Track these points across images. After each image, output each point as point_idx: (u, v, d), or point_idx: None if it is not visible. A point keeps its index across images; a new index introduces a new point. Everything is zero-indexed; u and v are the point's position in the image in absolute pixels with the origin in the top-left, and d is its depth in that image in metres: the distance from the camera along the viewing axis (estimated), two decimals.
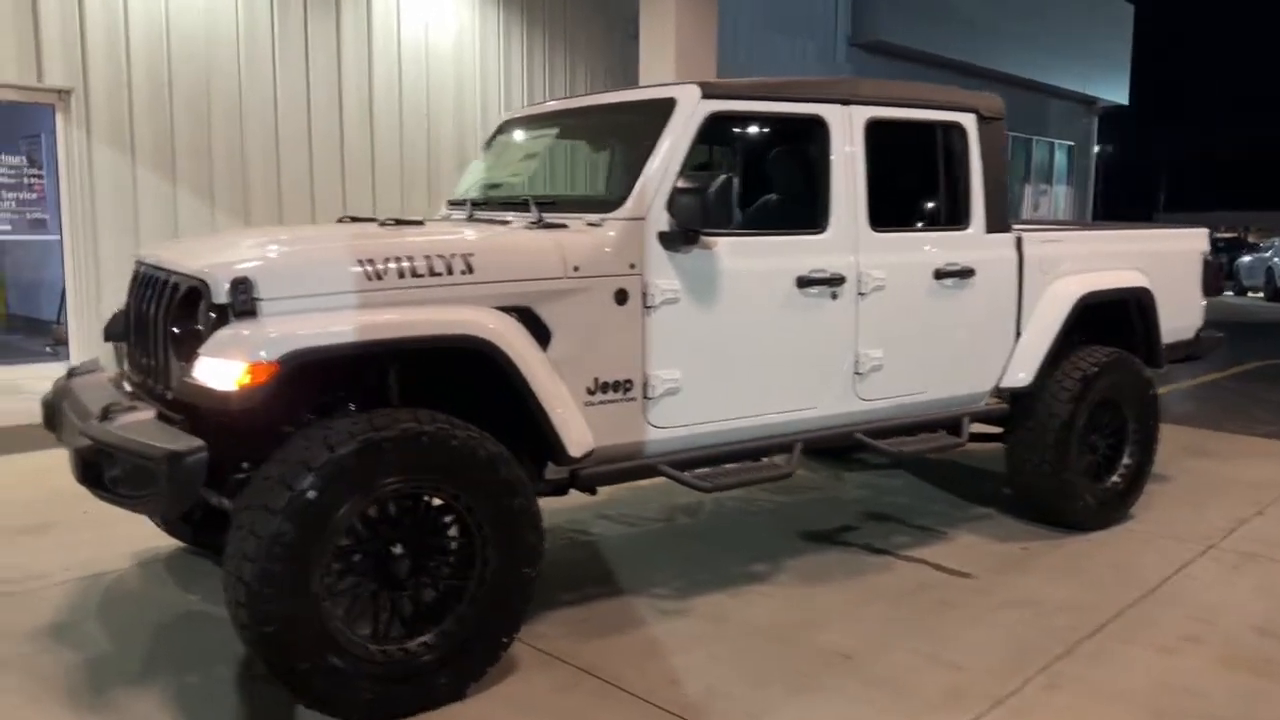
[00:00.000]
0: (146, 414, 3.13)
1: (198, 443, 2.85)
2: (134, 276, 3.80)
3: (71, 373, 3.87)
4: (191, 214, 8.97)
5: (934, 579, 4.37)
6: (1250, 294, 23.74)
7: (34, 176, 9.64)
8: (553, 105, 4.66)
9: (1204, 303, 5.85)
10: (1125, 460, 5.20)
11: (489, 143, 4.92)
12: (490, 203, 4.44)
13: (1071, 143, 22.68)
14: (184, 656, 3.53)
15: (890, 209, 4.31)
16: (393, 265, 3.18)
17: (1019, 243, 4.76)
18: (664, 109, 3.80)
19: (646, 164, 3.70)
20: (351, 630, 2.99)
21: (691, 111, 3.76)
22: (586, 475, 3.63)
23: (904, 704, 3.28)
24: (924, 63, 16.70)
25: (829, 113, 4.10)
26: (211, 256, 3.24)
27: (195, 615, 3.89)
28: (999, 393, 4.82)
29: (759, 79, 4.24)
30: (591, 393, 3.58)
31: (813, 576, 4.35)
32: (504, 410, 3.41)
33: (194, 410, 3.08)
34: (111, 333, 4.00)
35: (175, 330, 3.22)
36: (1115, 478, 5.16)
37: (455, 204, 4.74)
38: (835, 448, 5.05)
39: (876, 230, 4.21)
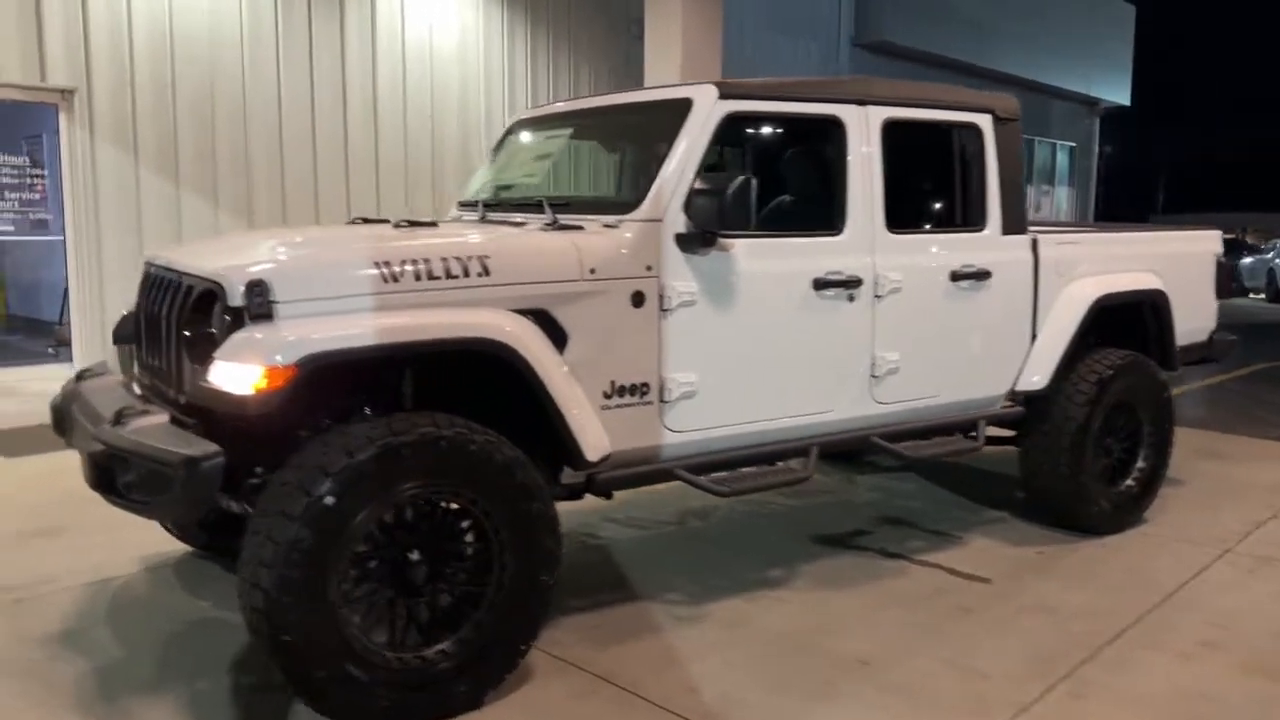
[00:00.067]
0: (160, 418, 3.09)
1: (214, 448, 2.81)
2: (144, 278, 3.76)
3: (81, 376, 3.82)
4: (195, 214, 8.93)
5: (950, 584, 4.33)
6: (1251, 295, 23.72)
7: (36, 176, 9.62)
8: (566, 105, 4.63)
9: (1217, 304, 5.81)
10: (1140, 464, 5.16)
11: (500, 142, 4.88)
12: (503, 204, 4.40)
13: (1073, 144, 22.67)
14: (195, 663, 3.49)
15: (906, 210, 4.28)
16: (409, 267, 3.14)
17: (1034, 244, 4.72)
18: (680, 109, 3.76)
19: (663, 165, 3.66)
20: (368, 638, 2.95)
21: (709, 112, 3.72)
22: (603, 480, 3.58)
23: (925, 712, 3.24)
24: (926, 63, 16.68)
25: (846, 113, 4.06)
26: (225, 258, 3.19)
27: (206, 621, 3.85)
28: (1013, 396, 4.78)
29: (775, 79, 4.20)
30: (608, 396, 3.54)
31: (828, 581, 4.31)
32: (519, 414, 3.37)
33: (208, 414, 3.04)
34: (120, 335, 3.96)
35: (188, 333, 3.17)
36: (1130, 481, 5.12)
37: (466, 205, 4.70)
38: (849, 451, 5.00)
39: (893, 232, 4.17)
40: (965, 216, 4.54)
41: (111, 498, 3.00)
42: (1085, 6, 20.89)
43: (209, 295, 3.09)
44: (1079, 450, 4.79)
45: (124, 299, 8.41)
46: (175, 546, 4.48)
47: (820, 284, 3.96)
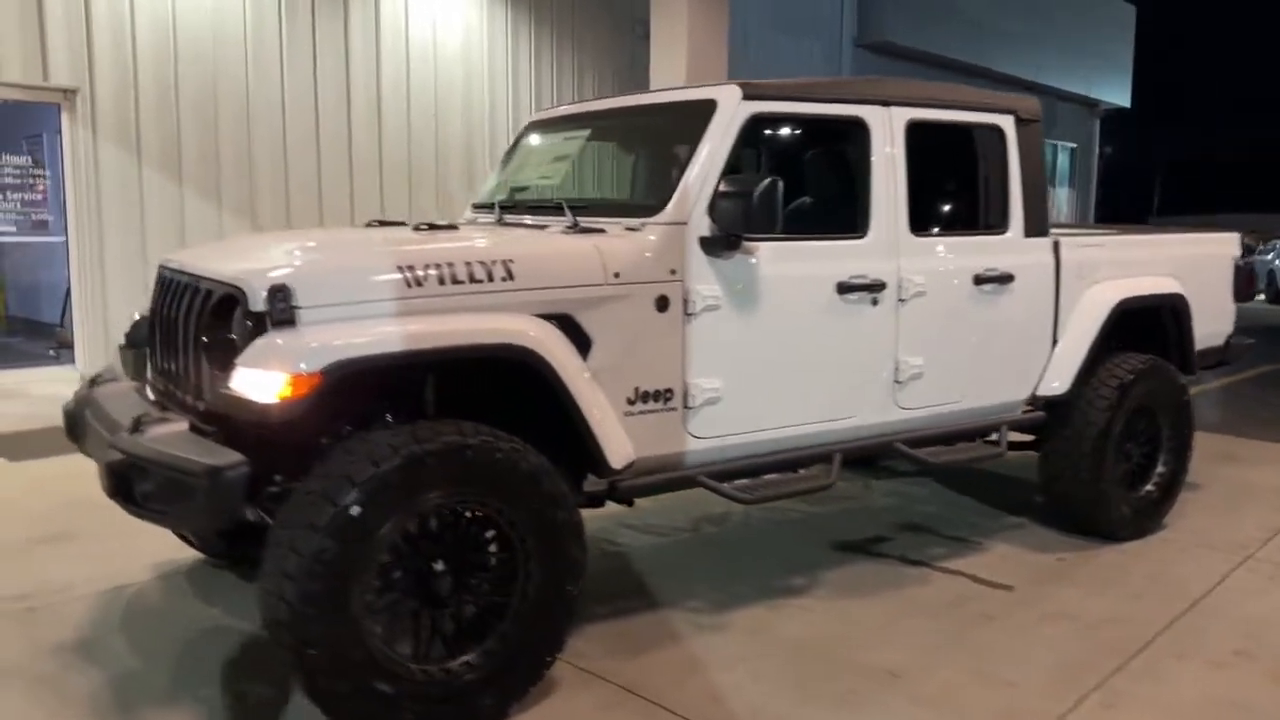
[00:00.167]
0: (179, 426, 3.02)
1: (237, 457, 2.74)
2: (157, 281, 3.70)
3: (94, 381, 3.75)
4: (198, 214, 8.87)
5: (973, 591, 4.28)
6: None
7: (37, 176, 9.54)
8: (584, 106, 4.57)
9: (1234, 308, 5.77)
10: (1159, 468, 5.12)
11: (515, 144, 4.82)
12: (519, 206, 4.34)
13: (1074, 145, 22.65)
14: (212, 673, 3.43)
15: (929, 213, 4.23)
16: (433, 272, 3.08)
17: (1056, 247, 4.67)
18: (704, 111, 3.70)
19: (687, 167, 3.60)
20: (393, 650, 2.89)
21: (733, 113, 3.67)
22: (626, 487, 3.52)
23: None
24: (929, 64, 16.65)
25: (869, 114, 4.01)
26: (244, 262, 3.13)
27: (221, 630, 3.78)
28: (1034, 400, 4.73)
29: (798, 79, 4.14)
30: (631, 402, 3.48)
31: (850, 589, 4.26)
32: (541, 420, 3.31)
33: (228, 421, 2.98)
34: (133, 339, 3.90)
35: (207, 339, 3.11)
36: (1150, 486, 5.08)
37: (481, 207, 4.64)
38: (866, 457, 4.94)
39: (916, 235, 4.12)
40: (987, 219, 4.49)
41: (129, 507, 2.93)
42: (1086, 7, 20.88)
43: (229, 300, 3.02)
44: (1100, 455, 4.74)
45: (126, 300, 8.40)
46: (187, 553, 4.41)
47: (844, 288, 3.91)
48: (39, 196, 9.79)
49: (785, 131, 4.22)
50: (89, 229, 8.34)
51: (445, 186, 10.59)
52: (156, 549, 4.44)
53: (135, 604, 4.02)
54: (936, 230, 4.24)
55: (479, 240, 3.52)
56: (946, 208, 4.43)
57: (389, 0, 10.02)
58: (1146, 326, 5.19)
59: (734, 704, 3.28)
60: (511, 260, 3.23)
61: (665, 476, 3.62)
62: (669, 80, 9.21)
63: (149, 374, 3.77)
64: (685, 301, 3.53)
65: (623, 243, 3.49)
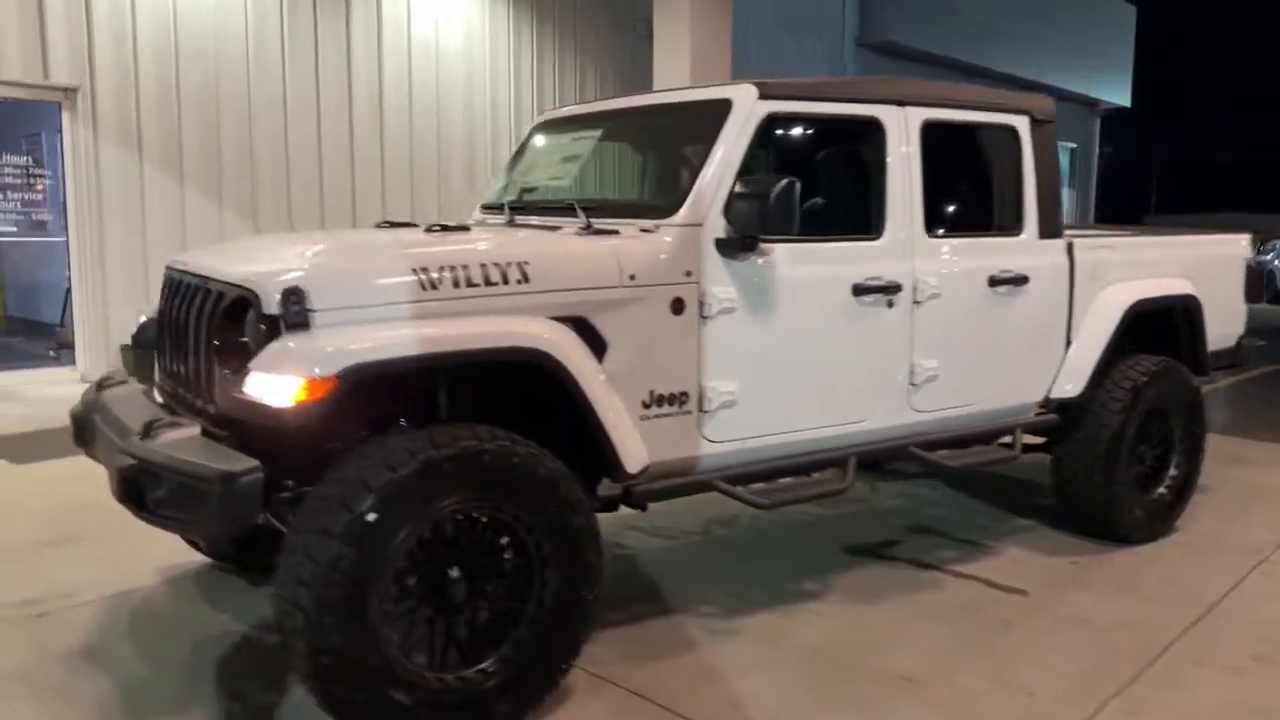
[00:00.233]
0: (191, 430, 2.97)
1: (252, 463, 2.70)
2: (165, 283, 3.65)
3: (101, 384, 3.70)
4: (199, 213, 8.82)
5: (987, 595, 4.25)
6: None
7: (37, 176, 9.49)
8: (596, 106, 4.52)
9: (1246, 309, 5.74)
10: (1172, 471, 5.09)
11: (523, 144, 4.78)
12: (529, 207, 4.30)
13: (1074, 145, 22.64)
14: (222, 681, 3.38)
15: (944, 214, 4.19)
16: (447, 274, 3.04)
17: (1070, 249, 4.63)
18: (719, 110, 3.66)
19: (703, 168, 3.56)
20: (408, 658, 2.84)
21: (749, 113, 3.63)
22: (640, 492, 3.48)
23: None
24: (931, 64, 16.62)
25: (885, 114, 3.97)
26: (257, 264, 3.09)
27: (230, 636, 3.74)
28: (1047, 403, 4.69)
29: (813, 79, 4.10)
30: (647, 406, 3.44)
31: (863, 594, 4.22)
32: (554, 424, 3.27)
33: (240, 426, 2.94)
34: (141, 341, 3.85)
35: (218, 342, 3.06)
36: (1162, 489, 5.05)
37: (490, 208, 4.60)
38: (880, 460, 4.90)
39: (932, 236, 4.08)
40: (1002, 220, 4.46)
41: (141, 513, 2.88)
42: (1087, 7, 20.86)
43: (241, 303, 2.98)
44: (1113, 458, 4.71)
45: (127, 301, 8.35)
46: (194, 558, 4.37)
47: (860, 290, 3.87)
48: (38, 196, 9.74)
49: (797, 131, 4.17)
50: (89, 228, 8.29)
51: (447, 185, 10.55)
52: (163, 553, 4.39)
53: (143, 609, 3.97)
54: (951, 231, 4.20)
55: (493, 242, 3.48)
56: (961, 209, 4.38)
57: None
58: (1158, 328, 5.15)
59: (751, 711, 3.24)
60: (526, 262, 3.19)
61: (680, 481, 3.59)
62: (672, 80, 9.17)
63: (157, 376, 3.72)
64: (701, 304, 3.49)
65: (638, 244, 3.45)
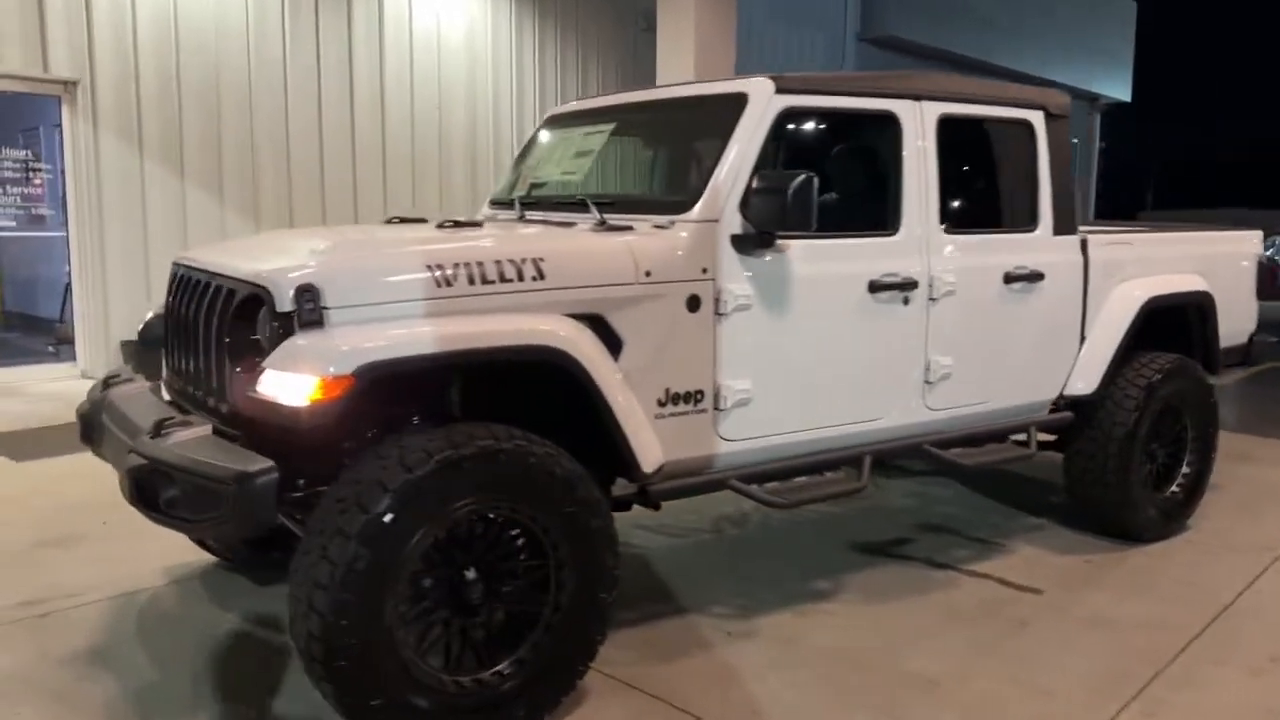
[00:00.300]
0: (203, 430, 2.92)
1: (267, 463, 2.65)
2: (172, 279, 3.59)
3: (108, 382, 3.64)
4: (200, 208, 8.75)
5: (1003, 595, 4.21)
6: None
7: (35, 170, 9.41)
8: (607, 100, 4.46)
9: (1257, 306, 5.70)
10: (1184, 469, 5.06)
11: (533, 138, 4.72)
12: (540, 203, 4.25)
13: (1075, 140, 22.57)
14: (233, 684, 3.33)
15: (959, 210, 4.14)
16: (463, 271, 2.99)
17: (1084, 245, 4.59)
18: (735, 104, 3.61)
19: (718, 162, 3.51)
20: (424, 662, 2.80)
21: (765, 107, 3.58)
22: (656, 491, 3.44)
23: None
24: (932, 58, 16.56)
25: (901, 108, 3.92)
26: (268, 261, 3.03)
27: (238, 638, 3.69)
28: (1061, 401, 4.65)
29: (829, 73, 4.05)
30: (662, 404, 3.39)
31: (878, 594, 4.18)
32: (568, 423, 3.22)
33: (252, 425, 2.88)
34: (147, 338, 3.80)
35: (229, 340, 3.01)
36: (1174, 487, 5.02)
37: (499, 203, 4.55)
38: (899, 459, 4.86)
39: (947, 232, 4.04)
40: (1017, 216, 4.41)
41: (152, 514, 2.83)
42: (1088, 2, 20.81)
43: (253, 300, 2.92)
44: (1126, 456, 4.67)
45: (127, 296, 8.29)
46: (199, 557, 4.32)
47: (875, 286, 3.82)
48: (37, 190, 9.66)
49: (812, 126, 4.12)
50: (89, 223, 8.22)
51: (449, 179, 10.48)
52: (167, 552, 4.34)
53: (148, 610, 3.92)
54: (967, 227, 4.15)
55: (507, 238, 3.43)
56: (976, 205, 4.33)
57: None
58: (1171, 325, 5.12)
59: (771, 714, 3.21)
60: (542, 259, 3.14)
61: (695, 480, 3.54)
62: (676, 75, 9.11)
63: (164, 374, 3.67)
64: (717, 301, 3.44)
65: (653, 241, 3.40)
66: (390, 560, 2.65)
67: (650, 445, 3.30)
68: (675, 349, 3.39)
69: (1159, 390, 4.74)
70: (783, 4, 14.30)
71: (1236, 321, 5.50)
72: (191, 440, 2.84)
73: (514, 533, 2.96)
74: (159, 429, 2.90)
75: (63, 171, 8.49)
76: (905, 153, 3.92)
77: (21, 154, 9.63)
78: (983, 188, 4.42)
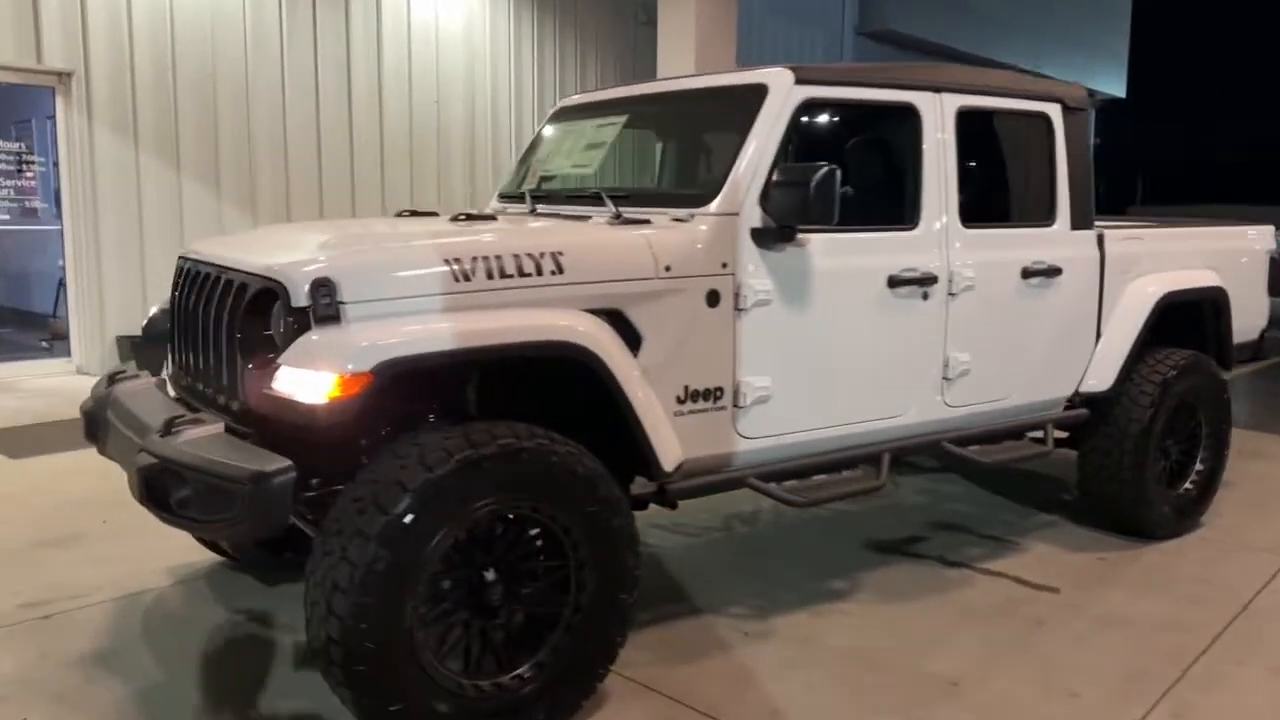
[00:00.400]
0: (215, 428, 2.84)
1: (284, 462, 2.57)
2: (179, 273, 3.51)
3: (113, 378, 3.56)
4: (196, 201, 8.64)
5: (1020, 594, 4.16)
6: None
7: (27, 163, 9.29)
8: (620, 91, 4.39)
9: (1269, 301, 5.66)
10: (1198, 466, 5.02)
11: (543, 130, 4.65)
12: (551, 196, 4.18)
13: None
14: (244, 686, 3.26)
15: (977, 204, 4.08)
16: (480, 265, 2.92)
17: (1100, 240, 4.54)
18: (754, 95, 3.54)
19: (738, 155, 3.44)
20: (444, 666, 2.73)
21: (785, 98, 3.51)
22: (675, 490, 3.37)
23: None
24: (930, 52, 16.51)
25: (921, 100, 3.86)
26: (281, 255, 2.95)
27: (247, 639, 3.62)
28: (1075, 398, 4.60)
29: (848, 64, 3.98)
30: (681, 402, 3.33)
31: (894, 593, 4.13)
32: (584, 420, 3.15)
33: (265, 422, 2.81)
34: (152, 334, 3.71)
35: (241, 335, 2.93)
36: (1188, 484, 4.98)
37: (508, 197, 4.47)
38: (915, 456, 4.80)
39: (966, 226, 3.98)
40: (1035, 211, 4.35)
41: (162, 514, 2.75)
42: None
43: (266, 295, 2.85)
44: (1142, 453, 4.63)
45: (123, 290, 8.19)
46: (204, 556, 4.24)
47: (895, 281, 3.76)
48: (30, 183, 9.53)
49: (829, 118, 4.06)
50: (84, 217, 8.10)
51: (447, 171, 10.39)
52: (171, 551, 4.27)
53: (155, 611, 3.84)
54: (985, 222, 4.10)
55: (524, 231, 3.36)
56: (994, 199, 4.28)
57: None
58: (1184, 321, 5.07)
59: (792, 716, 3.15)
60: (560, 252, 3.07)
61: (714, 478, 3.48)
62: (677, 70, 9.04)
63: (169, 370, 3.59)
64: (737, 296, 3.38)
65: (673, 234, 3.33)
66: (410, 562, 2.58)
67: (670, 443, 3.24)
68: (694, 345, 3.32)
69: (1174, 386, 4.70)
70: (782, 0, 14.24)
71: (1249, 317, 5.46)
72: (204, 438, 2.76)
73: (533, 533, 2.90)
74: (169, 427, 2.82)
75: (56, 164, 8.38)
76: (925, 145, 3.86)
77: (14, 146, 9.51)
78: (1001, 181, 4.37)
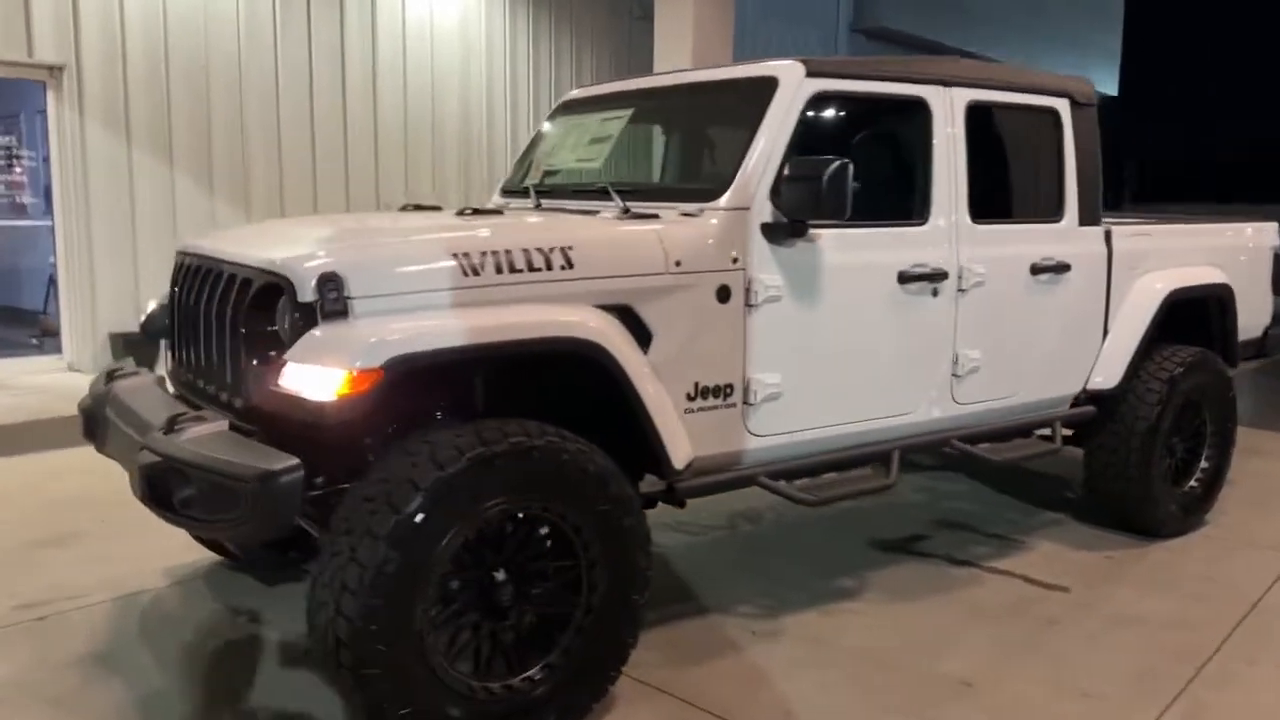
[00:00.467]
0: (219, 425, 2.78)
1: (292, 460, 2.51)
2: (178, 268, 3.44)
3: (111, 375, 3.49)
4: (189, 196, 8.53)
5: (1029, 593, 4.13)
6: None
7: (17, 157, 9.18)
8: (626, 84, 4.33)
9: (1273, 299, 5.64)
10: (1203, 464, 5.00)
11: (546, 125, 4.59)
12: (556, 190, 4.12)
13: None
14: (246, 688, 3.20)
15: (986, 199, 4.04)
16: (490, 259, 2.86)
17: (1108, 236, 4.51)
18: (764, 89, 3.49)
19: (749, 148, 3.39)
20: (454, 668, 2.68)
21: (796, 91, 3.46)
22: (684, 488, 3.32)
23: None
24: (922, 49, 16.47)
25: (931, 94, 3.82)
26: (286, 248, 2.89)
27: (249, 641, 3.55)
28: (1082, 395, 4.57)
29: (860, 57, 3.94)
30: (691, 399, 3.28)
31: (902, 593, 4.09)
32: (591, 418, 3.10)
33: (270, 420, 2.75)
34: (150, 330, 3.64)
35: (245, 331, 2.87)
36: (1193, 482, 4.95)
37: (511, 192, 4.41)
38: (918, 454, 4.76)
39: (975, 222, 3.94)
40: (1043, 206, 4.32)
41: (165, 513, 2.69)
42: None
43: (271, 290, 2.78)
44: (1149, 451, 4.60)
45: (115, 287, 8.08)
46: (203, 556, 4.17)
47: (905, 277, 3.72)
48: (19, 178, 9.42)
49: (838, 112, 4.00)
50: (75, 212, 7.99)
51: (442, 165, 10.30)
52: (167, 549, 4.20)
53: (153, 611, 3.77)
54: (995, 217, 4.06)
55: (533, 226, 3.30)
56: (1003, 194, 4.24)
57: None
58: (1189, 318, 5.04)
59: (807, 718, 3.10)
60: (570, 247, 3.02)
61: (723, 477, 3.43)
62: (674, 66, 8.97)
63: (168, 366, 3.52)
64: (747, 292, 3.33)
65: (683, 229, 3.28)
66: (421, 562, 2.53)
67: (681, 441, 3.19)
68: (705, 341, 3.27)
69: (1181, 384, 4.67)
70: None
71: (1253, 314, 5.44)
72: (208, 436, 2.70)
73: (543, 532, 2.84)
74: (172, 424, 2.75)
75: (46, 159, 8.26)
76: (935, 140, 3.82)
77: (3, 141, 9.41)
78: (1009, 176, 4.32)
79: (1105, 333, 4.57)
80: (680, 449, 3.17)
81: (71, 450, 5.65)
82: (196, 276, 3.23)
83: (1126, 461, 4.61)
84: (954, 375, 3.94)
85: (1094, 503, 4.95)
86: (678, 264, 3.19)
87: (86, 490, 5.03)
